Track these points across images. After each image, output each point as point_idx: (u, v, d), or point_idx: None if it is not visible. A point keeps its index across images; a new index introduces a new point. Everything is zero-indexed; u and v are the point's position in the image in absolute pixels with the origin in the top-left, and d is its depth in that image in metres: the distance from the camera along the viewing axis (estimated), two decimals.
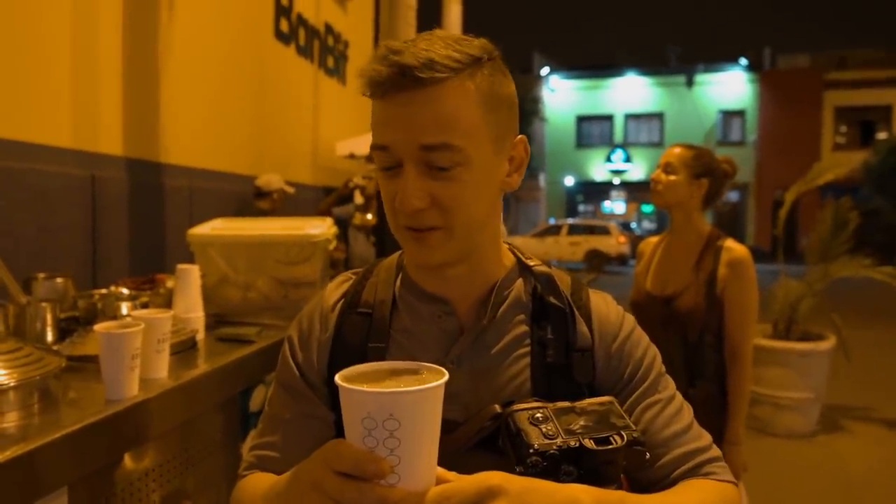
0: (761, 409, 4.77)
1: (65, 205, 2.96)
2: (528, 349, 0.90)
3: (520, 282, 0.95)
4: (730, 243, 2.22)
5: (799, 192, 5.16)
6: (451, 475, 0.66)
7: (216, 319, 2.09)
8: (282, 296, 2.21)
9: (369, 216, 5.05)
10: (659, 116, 27.57)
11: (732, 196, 26.72)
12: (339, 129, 7.11)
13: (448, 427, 0.72)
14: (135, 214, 3.47)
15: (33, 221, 2.77)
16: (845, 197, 5.26)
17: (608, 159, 27.86)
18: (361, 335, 0.93)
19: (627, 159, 27.64)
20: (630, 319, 0.96)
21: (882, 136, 23.38)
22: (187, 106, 4.07)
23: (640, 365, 0.92)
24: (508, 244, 0.99)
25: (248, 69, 5.04)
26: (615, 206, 28.99)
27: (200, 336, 1.85)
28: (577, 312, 0.92)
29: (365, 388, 0.60)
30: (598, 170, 28.06)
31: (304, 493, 0.66)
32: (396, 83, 0.79)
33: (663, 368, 0.95)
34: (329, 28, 6.91)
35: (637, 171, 27.70)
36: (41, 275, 2.07)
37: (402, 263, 0.99)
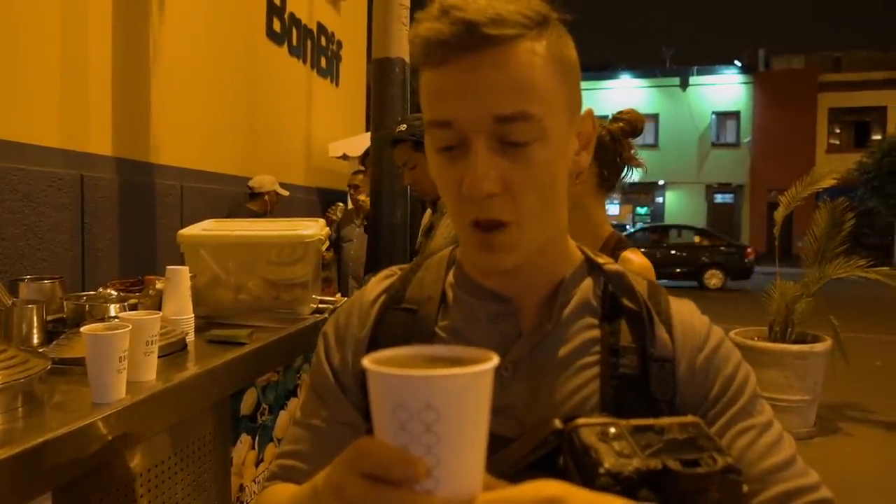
0: None
1: (53, 205, 2.93)
2: (596, 357, 0.78)
3: (588, 281, 0.83)
4: (629, 254, 1.79)
5: (797, 197, 5.16)
6: (501, 484, 0.54)
7: (207, 321, 2.06)
8: (273, 297, 2.18)
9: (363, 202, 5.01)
10: (654, 118, 27.63)
11: (727, 198, 26.82)
12: (332, 129, 7.09)
13: (499, 444, 0.62)
14: (124, 215, 3.43)
15: (20, 222, 2.74)
16: (841, 198, 5.26)
17: None
18: (403, 333, 0.82)
19: None
20: (718, 331, 0.83)
21: (877, 137, 23.49)
22: (178, 105, 4.05)
23: (730, 383, 0.78)
24: (608, 238, 0.88)
25: (240, 69, 5.02)
26: (609, 207, 29.04)
27: (190, 338, 1.82)
28: (655, 317, 0.80)
29: (395, 370, 0.49)
30: None
31: (325, 502, 0.55)
32: (462, 43, 0.68)
33: (758, 390, 0.80)
34: (322, 28, 6.89)
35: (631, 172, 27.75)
36: (28, 277, 2.06)
37: (455, 257, 0.88)
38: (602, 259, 0.85)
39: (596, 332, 0.80)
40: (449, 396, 0.48)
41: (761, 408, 0.78)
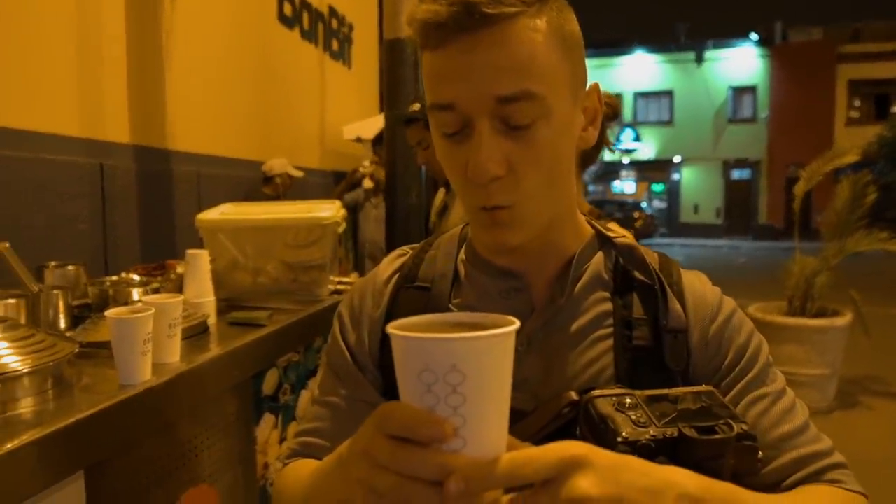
0: None
1: (74, 194, 2.96)
2: (609, 330, 0.79)
3: (599, 255, 0.84)
4: (612, 226, 1.83)
5: (819, 172, 5.11)
6: (525, 445, 0.54)
7: (227, 304, 2.08)
8: (291, 279, 2.20)
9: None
10: (669, 94, 27.31)
11: (744, 174, 26.53)
12: (346, 112, 7.08)
13: (515, 417, 0.61)
14: (144, 201, 3.47)
15: (43, 211, 2.78)
16: (864, 171, 5.19)
17: (618, 139, 27.66)
18: (417, 311, 0.79)
19: (637, 138, 27.44)
20: (729, 301, 0.84)
21: None
22: (193, 92, 4.06)
23: (743, 353, 0.79)
24: (585, 214, 0.88)
25: (253, 54, 5.02)
26: (625, 185, 28.84)
27: (212, 321, 1.84)
28: (668, 289, 0.80)
29: (422, 335, 0.50)
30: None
31: (352, 466, 0.55)
32: (460, 23, 0.67)
33: (771, 359, 0.82)
34: (333, 11, 6.86)
35: (647, 150, 27.53)
36: (52, 263, 2.08)
37: (466, 235, 0.89)
38: (613, 232, 0.86)
39: (608, 306, 0.81)
40: (474, 358, 0.49)
41: (774, 376, 0.80)
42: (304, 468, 0.79)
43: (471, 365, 0.49)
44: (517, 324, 0.52)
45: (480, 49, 0.68)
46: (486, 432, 0.51)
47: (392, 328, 0.52)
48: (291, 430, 2.02)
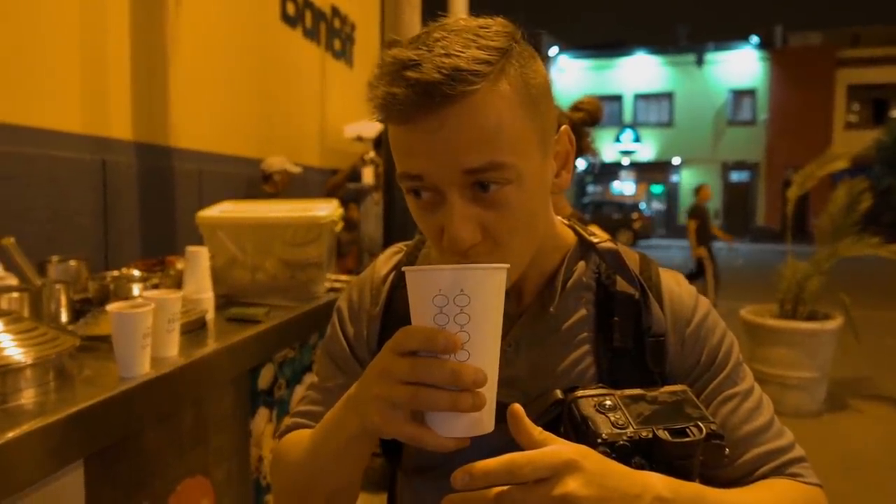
0: (768, 389, 4.75)
1: (76, 189, 3.00)
2: (592, 333, 0.83)
3: (583, 261, 0.87)
4: (594, 230, 1.83)
5: (811, 177, 5.14)
6: (540, 431, 0.62)
7: (225, 300, 2.12)
8: (289, 277, 2.23)
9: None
10: (668, 96, 27.30)
11: (743, 176, 26.55)
12: (347, 111, 7.10)
13: (506, 414, 0.66)
14: (145, 198, 3.50)
15: (46, 206, 2.81)
16: (860, 177, 5.22)
17: (617, 139, 27.69)
18: None
19: (637, 139, 27.45)
20: (704, 301, 0.87)
21: (895, 114, 23.09)
22: (196, 90, 4.09)
23: (716, 353, 0.83)
24: (569, 222, 0.90)
25: (256, 52, 5.05)
26: (624, 186, 28.84)
27: (210, 316, 1.88)
28: (649, 293, 0.83)
29: (437, 266, 0.62)
30: (608, 150, 27.89)
31: (372, 386, 0.64)
32: (422, 105, 0.65)
33: (741, 357, 0.85)
34: (335, 10, 6.89)
35: (646, 151, 27.53)
36: (55, 258, 2.11)
37: None
38: (596, 238, 0.89)
39: (591, 309, 0.85)
40: (476, 284, 0.61)
41: (744, 374, 0.85)
42: (303, 433, 0.85)
43: (474, 289, 0.61)
44: (508, 265, 0.64)
45: (445, 127, 0.66)
46: (486, 347, 0.63)
47: (410, 269, 0.64)
48: (285, 424, 2.06)
